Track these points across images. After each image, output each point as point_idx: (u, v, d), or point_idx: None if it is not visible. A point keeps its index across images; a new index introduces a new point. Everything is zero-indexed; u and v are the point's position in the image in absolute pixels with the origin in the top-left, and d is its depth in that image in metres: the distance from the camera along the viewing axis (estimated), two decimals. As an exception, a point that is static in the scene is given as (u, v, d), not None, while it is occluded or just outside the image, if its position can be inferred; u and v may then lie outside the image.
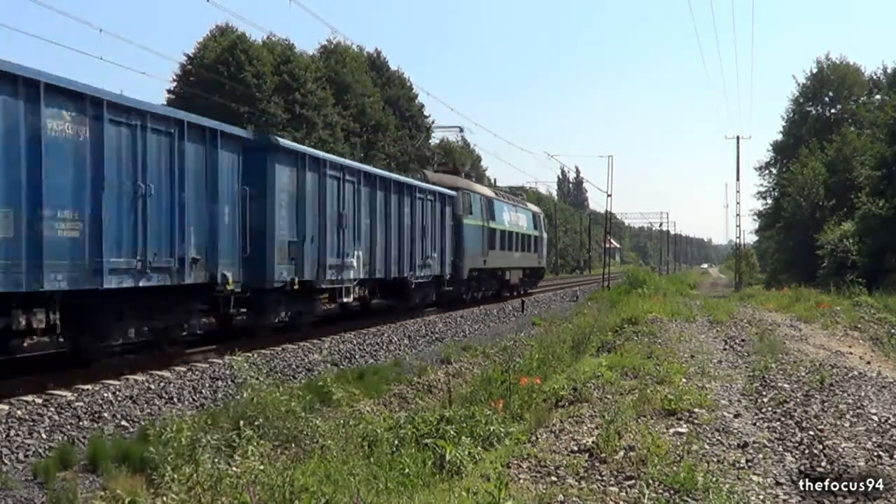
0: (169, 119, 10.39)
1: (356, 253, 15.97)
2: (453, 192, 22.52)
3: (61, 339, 9.81)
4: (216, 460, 6.29)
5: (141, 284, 9.86)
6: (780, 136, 55.71)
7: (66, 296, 8.93)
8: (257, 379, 8.28)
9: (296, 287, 13.50)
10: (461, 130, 46.68)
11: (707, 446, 6.40)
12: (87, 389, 8.96)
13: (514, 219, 29.55)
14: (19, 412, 7.84)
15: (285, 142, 13.98)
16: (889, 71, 46.52)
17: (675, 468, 5.62)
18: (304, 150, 14.55)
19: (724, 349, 13.00)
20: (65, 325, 9.12)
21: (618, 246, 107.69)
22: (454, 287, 22.98)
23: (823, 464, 5.94)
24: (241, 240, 11.99)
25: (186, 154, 10.61)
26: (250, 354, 11.56)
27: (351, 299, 16.24)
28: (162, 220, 10.22)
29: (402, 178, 19.65)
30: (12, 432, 7.38)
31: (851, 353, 13.05)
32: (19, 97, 8.10)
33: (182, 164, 10.55)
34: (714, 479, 5.43)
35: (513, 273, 29.55)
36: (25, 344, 10.61)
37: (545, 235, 36.45)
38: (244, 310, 13.35)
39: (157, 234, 10.11)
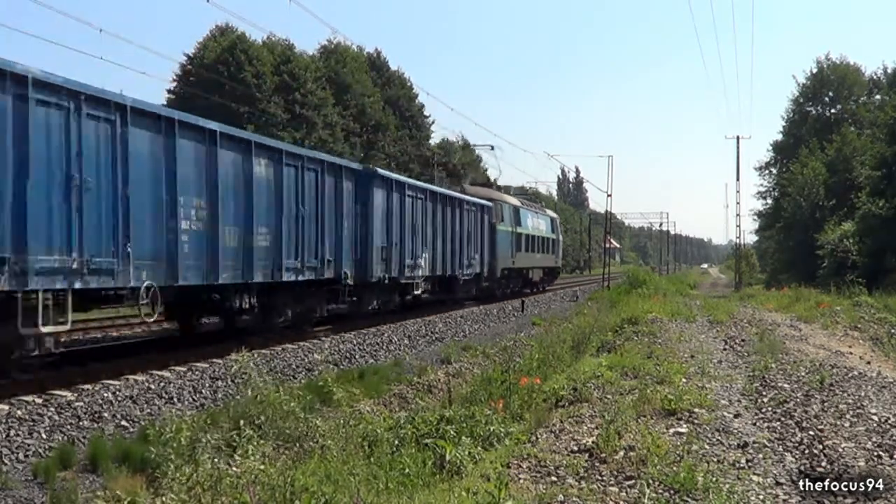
0: (314, 159, 14.55)
1: (424, 255, 19.85)
2: (489, 203, 26.27)
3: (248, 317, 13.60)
4: (216, 460, 6.29)
5: (300, 279, 13.84)
6: (780, 136, 55.77)
7: (260, 286, 12.81)
8: (262, 378, 8.28)
9: (386, 281, 17.39)
10: (492, 148, 53.57)
11: (707, 446, 6.40)
12: (87, 389, 8.97)
13: (536, 224, 33.28)
14: (19, 412, 7.84)
15: (382, 171, 18.09)
16: (889, 71, 46.55)
17: (675, 468, 5.62)
18: (393, 176, 18.79)
19: (724, 349, 13.00)
20: (259, 306, 13.11)
21: (618, 246, 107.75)
22: (489, 283, 26.70)
23: (823, 464, 5.94)
24: (354, 246, 15.87)
25: (326, 184, 14.65)
26: (250, 354, 11.69)
27: (420, 292, 19.90)
28: (312, 233, 14.16)
29: (454, 193, 23.32)
30: (12, 432, 7.38)
31: (851, 353, 13.05)
32: (241, 152, 12.11)
33: (322, 192, 14.49)
34: (714, 479, 5.43)
35: (535, 272, 33.38)
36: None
37: (561, 238, 40.37)
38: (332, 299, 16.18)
39: (310, 243, 14.10)
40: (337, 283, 15.38)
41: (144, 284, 9.82)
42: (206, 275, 11.16)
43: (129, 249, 9.54)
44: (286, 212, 13.16)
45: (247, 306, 12.80)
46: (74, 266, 8.75)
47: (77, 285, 8.85)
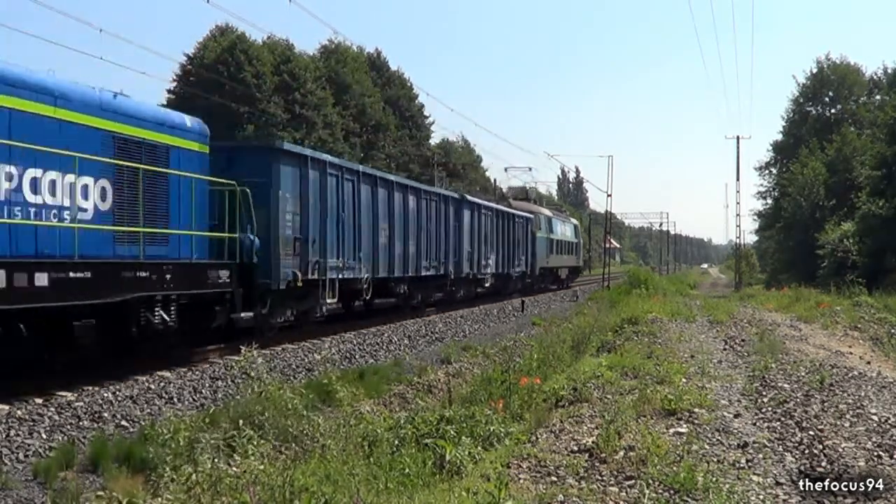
0: (435, 193, 21.83)
1: (491, 257, 26.51)
2: (531, 215, 32.92)
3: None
4: (215, 460, 6.29)
5: (429, 274, 20.55)
6: (780, 136, 55.76)
7: (409, 278, 19.33)
8: (267, 375, 8.28)
9: (470, 277, 24.22)
10: (530, 169, 62.51)
11: (707, 446, 6.40)
12: (87, 389, 8.96)
13: (563, 230, 40.49)
14: (19, 412, 7.84)
15: (469, 197, 25.07)
16: (889, 71, 46.52)
17: (675, 468, 5.62)
18: (478, 201, 25.98)
19: (724, 349, 13.00)
20: (409, 292, 19.62)
21: (618, 246, 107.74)
22: (531, 279, 33.23)
23: (823, 464, 5.94)
24: (453, 251, 22.41)
25: (440, 210, 21.53)
26: (256, 352, 11.67)
27: (488, 285, 26.74)
28: (433, 243, 20.87)
29: (509, 210, 29.90)
30: (12, 432, 7.38)
31: (851, 353, 13.05)
32: (403, 192, 18.94)
33: (439, 215, 21.44)
34: (714, 479, 5.43)
35: (562, 270, 40.23)
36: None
37: (581, 241, 47.58)
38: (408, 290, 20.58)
39: (433, 251, 20.86)
40: (445, 277, 22.06)
41: (365, 276, 16.37)
42: (389, 270, 17.71)
43: (360, 255, 16.08)
44: (423, 230, 20.00)
45: (402, 291, 19.17)
46: (340, 265, 15.21)
47: (341, 276, 15.25)
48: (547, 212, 36.98)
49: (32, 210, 8.62)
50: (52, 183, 8.83)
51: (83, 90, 9.65)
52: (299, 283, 13.40)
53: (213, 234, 11.79)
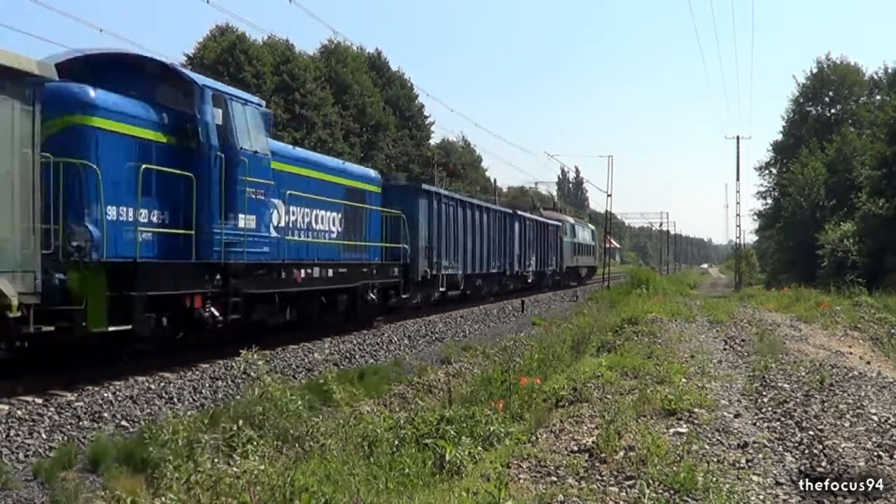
0: (493, 209, 27.52)
1: (532, 258, 32.85)
2: (560, 223, 39.30)
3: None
4: (215, 460, 6.29)
5: (493, 271, 26.43)
6: (780, 136, 55.78)
7: (482, 275, 25.29)
8: (269, 375, 8.28)
9: (517, 274, 30.42)
10: (556, 186, 69.06)
11: (707, 446, 6.40)
12: (87, 389, 8.96)
13: (583, 235, 46.59)
14: (19, 412, 7.84)
15: (519, 212, 31.57)
16: (889, 71, 46.49)
17: (675, 468, 5.62)
18: (524, 214, 32.35)
19: (724, 349, 13.00)
20: (482, 285, 25.61)
21: (618, 246, 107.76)
22: (560, 277, 39.34)
23: (823, 464, 5.95)
24: (508, 254, 28.51)
25: (499, 221, 27.31)
26: (258, 353, 11.68)
27: (530, 280, 32.85)
28: (497, 248, 26.87)
29: (544, 220, 36.19)
30: (12, 432, 7.38)
31: (851, 353, 13.05)
32: (491, 215, 26.77)
33: (499, 226, 27.31)
34: (714, 479, 5.43)
35: (582, 269, 46.15)
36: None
37: (597, 244, 53.73)
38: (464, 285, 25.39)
39: (497, 253, 26.80)
40: (503, 274, 28.24)
41: (461, 272, 22.95)
42: (472, 269, 24.17)
43: (458, 258, 22.60)
44: (490, 239, 26.21)
45: (478, 284, 25.41)
46: (447, 265, 21.33)
47: (447, 273, 21.43)
48: (571, 220, 43.91)
49: (317, 233, 14.39)
50: (322, 217, 14.59)
51: (333, 161, 16.90)
52: (428, 277, 20.10)
53: (389, 244, 17.66)
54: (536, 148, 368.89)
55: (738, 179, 64.62)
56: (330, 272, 14.49)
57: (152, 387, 9.54)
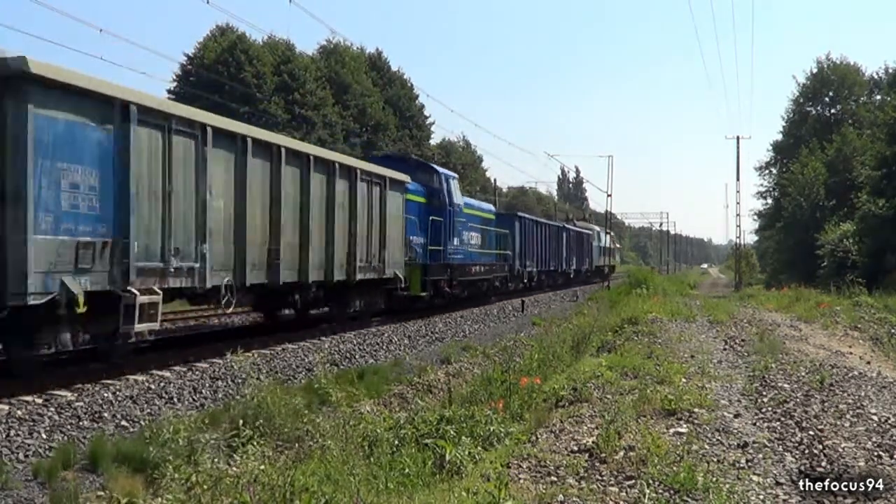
0: (551, 224, 38.20)
1: (573, 259, 41.24)
2: (590, 231, 48.75)
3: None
4: (215, 460, 6.29)
5: (550, 269, 36.84)
6: (780, 137, 55.84)
7: (546, 272, 36.23)
8: (258, 378, 8.29)
9: (565, 272, 39.68)
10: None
11: (707, 446, 6.40)
12: (87, 389, 8.96)
13: (606, 240, 54.31)
14: (19, 412, 7.84)
15: (567, 225, 42.96)
16: (889, 71, 46.51)
17: (675, 468, 5.62)
18: (570, 227, 42.60)
19: (724, 349, 13.00)
20: (545, 279, 36.46)
21: (618, 246, 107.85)
22: (590, 274, 48.05)
23: (823, 464, 5.94)
24: (558, 257, 37.83)
25: (556, 232, 37.82)
26: (250, 354, 11.79)
27: (571, 276, 41.30)
28: (554, 252, 37.31)
29: (581, 230, 46.10)
30: (12, 432, 7.38)
31: (851, 353, 13.05)
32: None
33: (555, 235, 37.59)
34: (714, 479, 5.43)
35: (605, 267, 53.58)
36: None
37: (615, 246, 63.60)
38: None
39: (554, 256, 36.66)
40: (556, 272, 37.75)
41: (536, 270, 33.42)
42: (539, 267, 33.88)
43: (534, 260, 32.85)
44: (551, 244, 36.08)
45: (543, 279, 34.95)
46: (528, 265, 31.89)
47: (528, 270, 32.02)
48: (597, 228, 52.99)
49: (474, 247, 23.78)
50: (476, 237, 23.95)
51: (477, 202, 27.11)
52: (516, 274, 30.04)
53: (501, 251, 27.38)
54: (536, 148, 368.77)
55: (738, 179, 64.82)
56: (483, 268, 24.88)
57: (152, 387, 9.54)
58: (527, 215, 34.04)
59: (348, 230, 15.02)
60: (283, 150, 12.54)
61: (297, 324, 15.82)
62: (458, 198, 22.13)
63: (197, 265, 10.43)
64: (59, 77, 8.11)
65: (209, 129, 10.57)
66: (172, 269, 9.95)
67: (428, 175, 20.66)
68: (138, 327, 9.26)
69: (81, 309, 8.29)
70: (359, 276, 15.46)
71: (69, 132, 8.30)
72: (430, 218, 19.68)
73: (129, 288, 9.12)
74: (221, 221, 10.97)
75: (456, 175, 23.89)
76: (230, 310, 11.62)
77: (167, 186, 9.73)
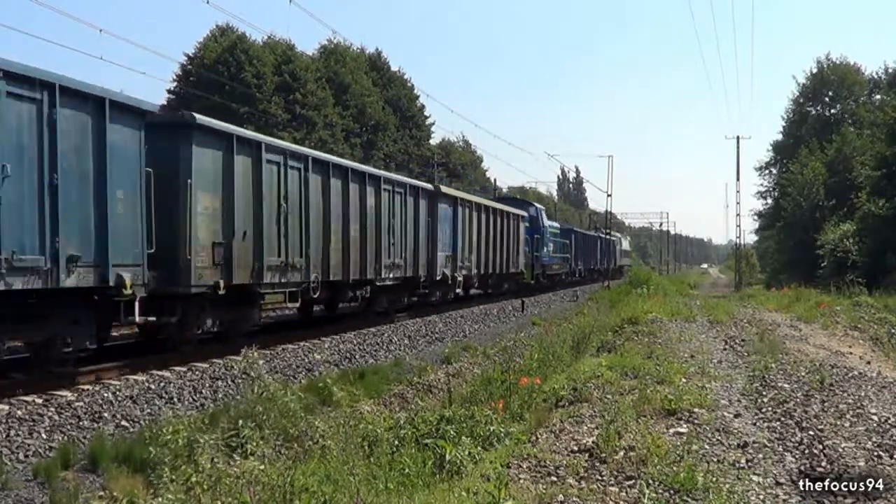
0: (589, 235, 52.85)
1: (604, 259, 54.01)
2: (616, 237, 60.87)
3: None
4: (215, 460, 6.29)
5: (589, 267, 50.52)
6: (780, 137, 55.82)
7: (584, 268, 49.20)
8: (267, 377, 8.29)
9: (599, 269, 52.66)
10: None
11: (707, 446, 6.40)
12: (87, 389, 8.97)
13: (626, 244, 65.68)
14: (19, 412, 7.84)
15: (577, 229, 50.96)
16: (889, 71, 46.58)
17: (675, 468, 5.62)
18: (603, 236, 54.56)
19: (724, 349, 12.99)
20: (585, 275, 48.62)
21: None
22: (613, 273, 54.11)
23: (823, 464, 5.94)
24: (593, 257, 52.25)
25: (594, 240, 53.32)
26: (257, 353, 11.75)
27: (596, 275, 51.16)
28: (591, 254, 51.98)
29: (609, 237, 55.12)
30: (12, 432, 7.38)
31: (851, 353, 13.05)
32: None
33: (597, 242, 53.61)
34: (714, 479, 5.43)
35: (625, 267, 63.49)
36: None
37: (631, 249, 76.99)
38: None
39: (590, 258, 51.70)
40: (593, 270, 49.90)
41: (572, 268, 44.21)
42: (579, 265, 46.26)
43: (573, 260, 43.94)
44: (589, 249, 49.63)
45: (586, 274, 48.63)
46: (563, 264, 41.86)
47: (563, 270, 41.96)
48: (619, 235, 64.79)
49: (551, 252, 37.19)
50: (551, 245, 37.26)
51: (552, 222, 41.02)
52: (571, 271, 42.80)
53: (562, 255, 39.91)
54: (536, 148, 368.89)
55: (738, 179, 64.83)
56: (557, 266, 38.12)
57: (152, 387, 9.54)
58: (578, 229, 49.14)
59: (490, 245, 26.02)
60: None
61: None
62: (545, 221, 36.31)
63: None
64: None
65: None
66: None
67: (530, 207, 34.74)
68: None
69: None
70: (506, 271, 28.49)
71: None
72: (534, 236, 32.69)
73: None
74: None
75: (544, 207, 40.39)
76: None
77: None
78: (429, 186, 21.00)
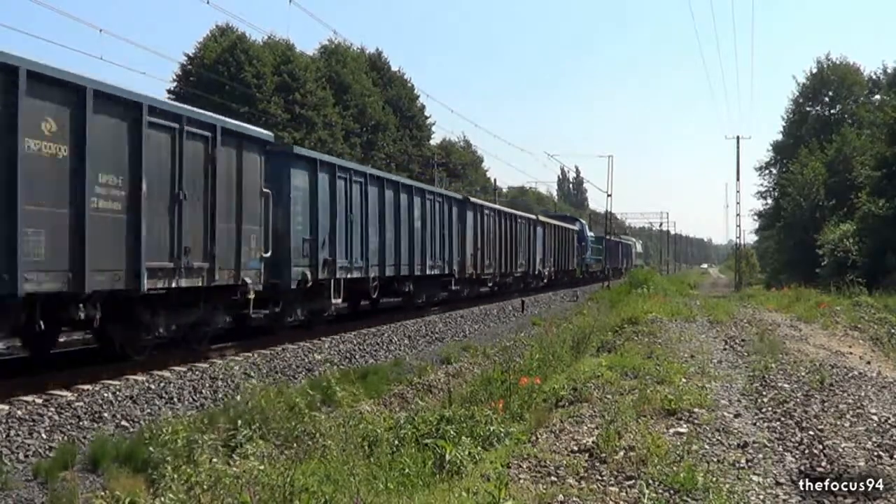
0: (612, 241, 58.77)
1: (624, 260, 69.92)
2: (632, 241, 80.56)
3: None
4: (214, 460, 6.28)
5: (613, 267, 60.28)
6: (780, 137, 55.83)
7: (609, 267, 58.05)
8: (253, 381, 8.30)
9: (619, 268, 66.22)
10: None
11: (707, 446, 6.40)
12: (87, 389, 8.97)
13: (639, 246, 75.39)
14: (19, 412, 7.84)
15: (623, 241, 73.77)
16: (889, 71, 46.60)
17: (675, 468, 5.62)
18: (621, 241, 71.53)
19: (724, 349, 12.99)
20: (611, 273, 55.76)
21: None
22: (628, 270, 61.88)
23: (823, 464, 5.94)
24: (620, 259, 67.84)
25: (616, 244, 63.99)
26: (250, 354, 11.89)
27: (619, 273, 61.31)
28: (612, 256, 60.35)
29: (627, 242, 75.71)
30: (12, 432, 7.38)
31: (851, 353, 13.04)
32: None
33: (617, 246, 65.66)
34: (714, 479, 5.43)
35: (637, 266, 71.31)
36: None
37: (644, 251, 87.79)
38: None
39: (612, 258, 60.98)
40: (616, 268, 59.83)
41: (609, 267, 56.68)
42: (606, 263, 56.72)
43: (603, 258, 56.65)
44: (612, 252, 60.10)
45: (612, 272, 55.32)
46: (598, 262, 56.12)
47: (608, 267, 57.40)
48: (633, 239, 77.70)
49: (592, 255, 52.76)
50: (591, 250, 51.83)
51: (590, 232, 54.88)
52: (603, 270, 53.83)
53: (598, 257, 54.52)
54: (536, 148, 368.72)
55: (738, 179, 64.87)
56: (595, 265, 53.06)
57: (152, 387, 9.54)
58: (607, 237, 55.08)
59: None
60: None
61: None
62: (587, 232, 50.16)
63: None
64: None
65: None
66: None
67: (577, 222, 47.78)
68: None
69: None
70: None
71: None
72: (581, 243, 44.65)
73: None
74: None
75: (586, 222, 57.38)
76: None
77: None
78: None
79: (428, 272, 20.33)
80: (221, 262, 10.96)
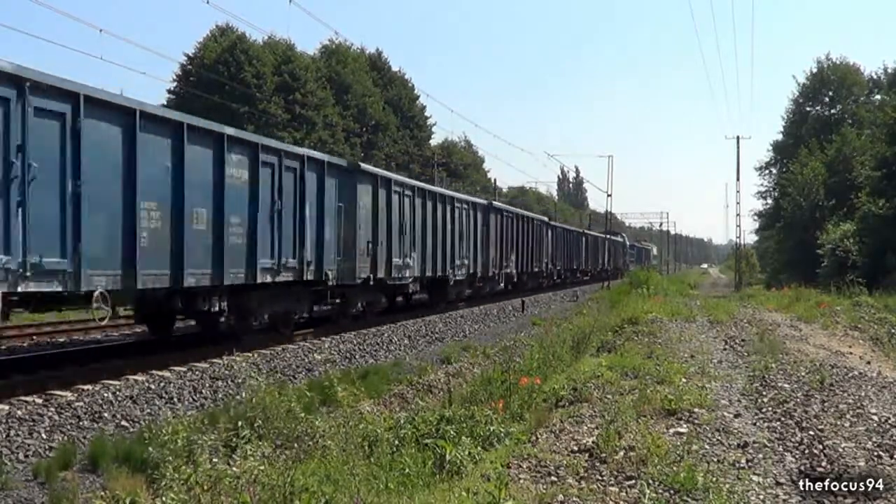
0: (619, 243, 67.81)
1: (649, 257, 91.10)
2: (649, 246, 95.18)
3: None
4: (214, 460, 6.28)
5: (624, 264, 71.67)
6: (780, 137, 55.81)
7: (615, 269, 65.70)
8: (256, 379, 8.29)
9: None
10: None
11: (707, 446, 6.40)
12: (87, 389, 8.97)
13: (655, 250, 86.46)
14: (19, 412, 7.84)
15: (641, 245, 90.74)
16: (889, 71, 46.59)
17: (675, 468, 5.62)
18: (639, 245, 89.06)
19: (724, 349, 12.99)
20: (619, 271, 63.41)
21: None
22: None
23: (823, 464, 5.94)
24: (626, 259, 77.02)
25: (634, 248, 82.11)
26: (250, 354, 11.89)
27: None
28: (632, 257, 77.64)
29: (643, 246, 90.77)
30: (12, 432, 7.38)
31: (851, 353, 13.05)
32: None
33: (637, 250, 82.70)
34: (714, 479, 5.43)
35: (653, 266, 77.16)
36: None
37: (656, 252, 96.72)
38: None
39: (632, 259, 77.67)
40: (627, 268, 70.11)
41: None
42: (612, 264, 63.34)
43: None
44: (619, 253, 67.04)
45: (627, 268, 65.80)
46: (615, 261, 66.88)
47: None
48: (649, 243, 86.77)
49: (628, 261, 71.96)
50: (628, 256, 73.30)
51: (628, 242, 77.46)
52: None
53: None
54: (536, 148, 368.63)
55: (738, 179, 64.88)
56: (628, 266, 66.36)
57: (152, 387, 9.54)
58: (632, 242, 65.82)
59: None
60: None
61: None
62: (627, 242, 70.76)
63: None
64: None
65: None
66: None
67: (620, 235, 67.61)
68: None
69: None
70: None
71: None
72: (624, 250, 66.09)
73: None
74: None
75: (625, 234, 76.36)
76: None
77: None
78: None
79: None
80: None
